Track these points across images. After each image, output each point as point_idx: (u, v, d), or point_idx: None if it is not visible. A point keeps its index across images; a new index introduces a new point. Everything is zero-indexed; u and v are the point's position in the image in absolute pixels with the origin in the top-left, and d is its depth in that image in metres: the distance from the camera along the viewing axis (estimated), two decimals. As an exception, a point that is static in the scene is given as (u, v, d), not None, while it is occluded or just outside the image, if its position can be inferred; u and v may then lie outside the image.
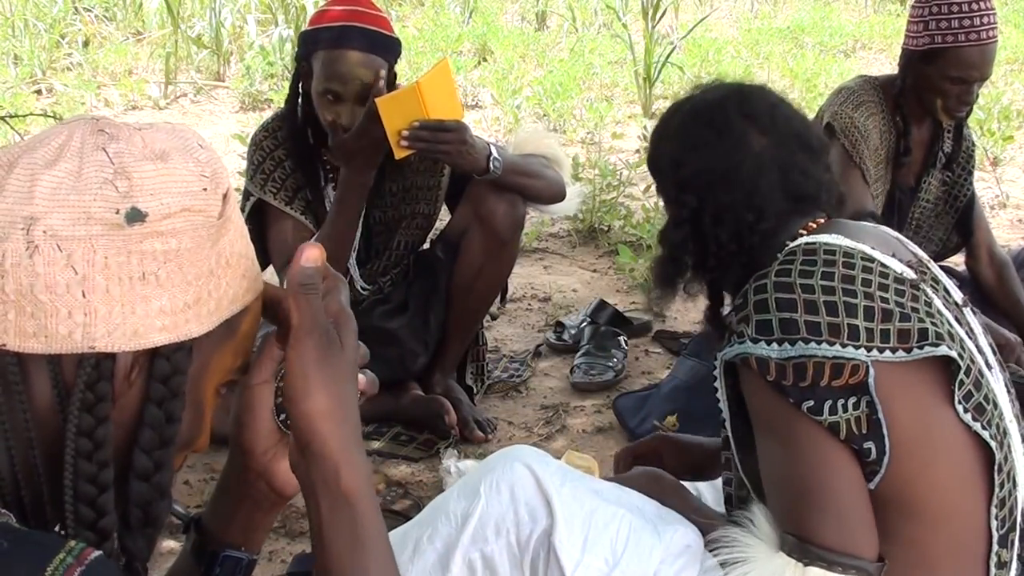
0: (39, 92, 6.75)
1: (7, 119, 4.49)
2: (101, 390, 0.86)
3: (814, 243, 1.39)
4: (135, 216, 0.84)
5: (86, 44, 7.81)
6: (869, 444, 1.31)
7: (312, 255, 0.92)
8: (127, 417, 0.89)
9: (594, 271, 4.03)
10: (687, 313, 3.60)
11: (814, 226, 1.48)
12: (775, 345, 1.31)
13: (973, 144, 2.94)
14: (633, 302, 3.68)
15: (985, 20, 2.57)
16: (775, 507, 1.37)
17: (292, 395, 0.90)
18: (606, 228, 4.36)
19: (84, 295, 0.83)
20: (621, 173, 4.58)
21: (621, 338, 3.22)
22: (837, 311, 1.31)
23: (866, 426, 1.30)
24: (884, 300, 1.32)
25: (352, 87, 2.45)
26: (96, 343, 0.84)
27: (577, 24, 9.34)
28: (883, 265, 1.37)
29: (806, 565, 1.31)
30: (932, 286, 1.44)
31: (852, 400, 1.30)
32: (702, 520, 1.54)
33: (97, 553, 0.80)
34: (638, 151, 5.64)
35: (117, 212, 0.83)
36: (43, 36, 7.44)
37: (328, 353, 0.90)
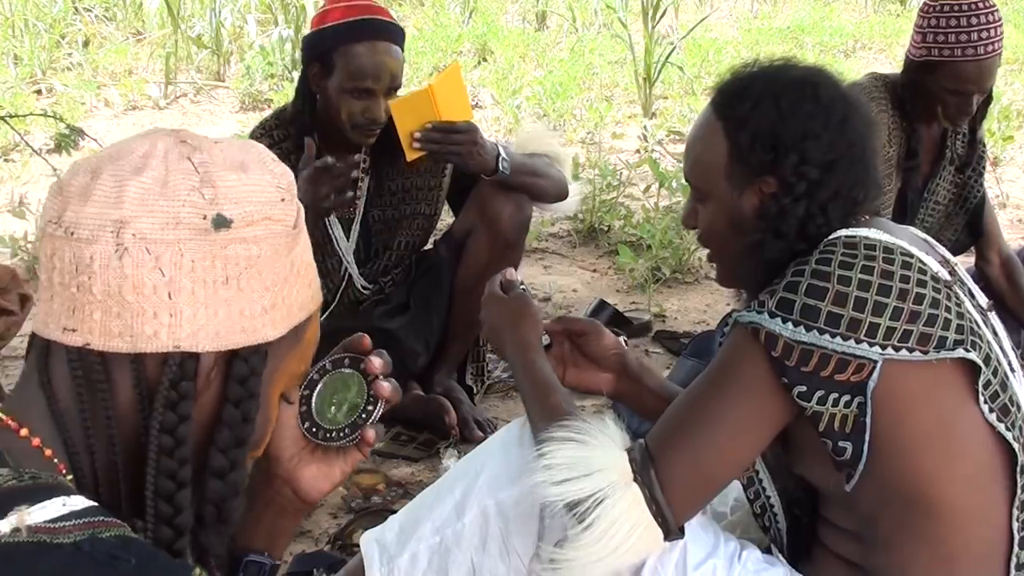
0: (39, 92, 6.75)
1: (7, 119, 4.50)
2: (184, 388, 0.88)
3: (854, 236, 1.39)
4: (222, 222, 0.87)
5: (86, 44, 7.81)
6: (846, 444, 1.32)
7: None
8: (203, 417, 0.91)
9: (594, 271, 4.03)
10: (687, 313, 3.60)
11: (864, 219, 1.47)
12: (790, 325, 1.31)
13: (985, 146, 2.94)
14: (633, 302, 3.68)
15: (984, 35, 2.56)
16: (664, 419, 1.40)
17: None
18: (606, 228, 4.36)
19: (170, 296, 0.86)
20: (621, 173, 4.58)
21: (621, 338, 3.21)
22: (864, 308, 1.31)
23: (851, 426, 1.31)
24: (917, 300, 1.32)
25: (384, 80, 2.48)
26: (181, 343, 0.87)
27: (577, 24, 9.34)
28: (921, 262, 1.38)
29: (634, 480, 1.34)
30: (959, 287, 1.44)
31: (846, 397, 1.31)
32: (538, 385, 1.55)
33: None
34: (638, 151, 5.64)
35: (204, 218, 0.87)
36: (43, 36, 7.44)
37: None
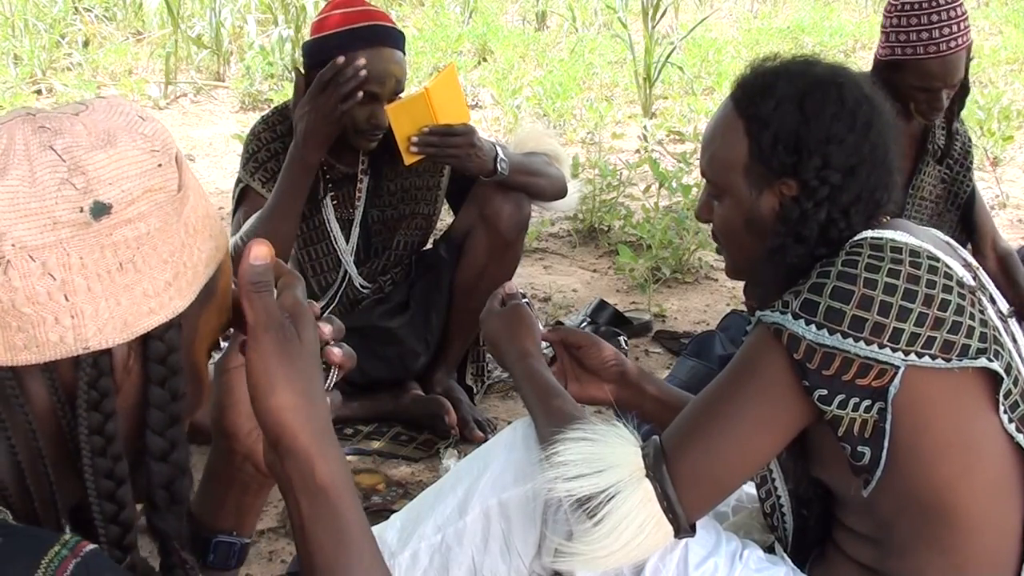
0: (39, 92, 6.75)
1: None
2: (103, 386, 0.85)
3: (880, 239, 1.37)
4: (100, 210, 0.83)
5: (86, 44, 7.82)
6: (865, 449, 1.31)
7: (260, 252, 0.91)
8: (131, 404, 0.89)
9: (594, 271, 4.03)
10: (687, 313, 3.60)
11: (886, 220, 1.45)
12: (813, 327, 1.30)
13: (969, 140, 2.94)
14: (633, 302, 3.68)
15: (946, 31, 2.57)
16: (681, 416, 1.40)
17: (256, 393, 0.89)
18: (606, 228, 4.36)
19: (67, 299, 0.82)
20: (621, 173, 4.58)
21: (621, 338, 3.22)
22: (889, 312, 1.29)
23: (870, 431, 1.30)
24: (943, 306, 1.31)
25: (389, 85, 2.48)
26: (89, 342, 0.84)
27: (577, 24, 9.35)
28: (947, 267, 1.36)
29: (646, 475, 1.34)
30: (982, 293, 1.43)
31: (867, 402, 1.30)
32: (539, 387, 1.56)
33: (92, 546, 0.80)
34: (638, 151, 5.64)
35: (81, 210, 0.82)
36: (43, 36, 7.44)
37: (287, 348, 0.89)
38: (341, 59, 2.39)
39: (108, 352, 0.85)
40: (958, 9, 2.58)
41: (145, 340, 0.87)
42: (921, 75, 2.60)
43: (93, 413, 0.85)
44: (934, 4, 2.56)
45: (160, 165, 0.87)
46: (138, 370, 0.88)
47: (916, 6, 2.58)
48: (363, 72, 2.39)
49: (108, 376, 0.86)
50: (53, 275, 0.82)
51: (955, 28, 2.57)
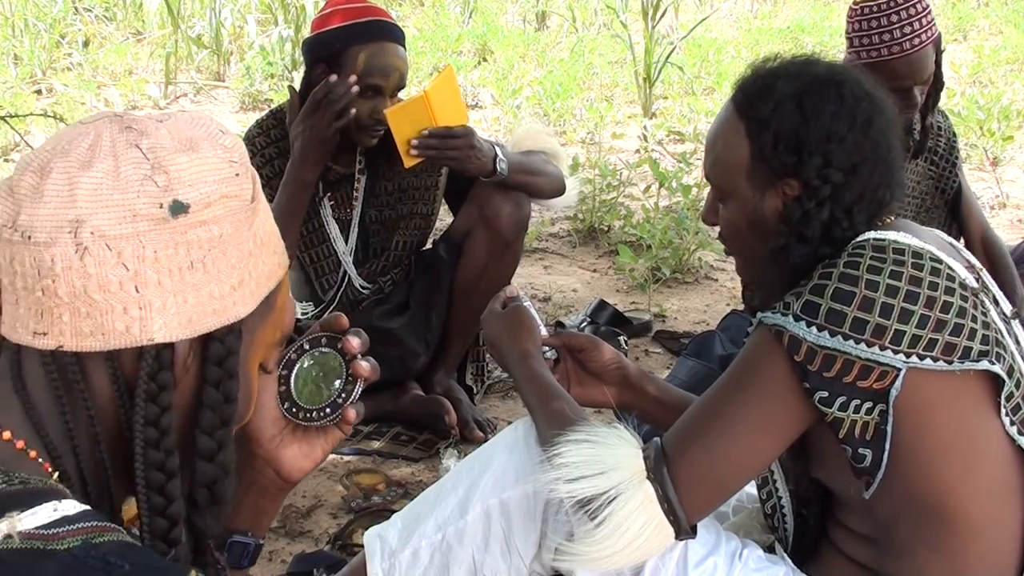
0: (39, 92, 6.76)
1: (7, 119, 4.50)
2: (163, 379, 0.88)
3: (883, 240, 1.37)
4: (178, 208, 0.86)
5: (86, 44, 7.82)
6: (866, 451, 1.31)
7: None
8: (185, 402, 0.91)
9: (594, 271, 4.03)
10: (687, 313, 3.60)
11: (889, 220, 1.44)
12: (814, 329, 1.30)
13: (954, 135, 2.95)
14: (633, 302, 3.68)
15: (907, 30, 2.57)
16: (682, 418, 1.40)
17: None
18: (606, 228, 4.36)
19: (137, 290, 0.85)
20: (621, 173, 4.58)
21: (621, 338, 3.22)
22: (890, 314, 1.29)
23: (871, 433, 1.30)
24: (944, 308, 1.30)
25: (393, 79, 2.51)
26: (154, 335, 0.86)
27: (577, 24, 9.35)
28: (950, 269, 1.36)
29: (647, 477, 1.34)
30: (985, 294, 1.42)
31: (867, 405, 1.29)
32: (538, 389, 1.56)
33: None
34: (638, 151, 5.64)
35: (161, 206, 0.85)
36: (43, 36, 7.44)
37: None
38: (333, 77, 2.41)
39: (171, 347, 0.88)
40: (918, 6, 2.58)
41: (206, 341, 0.90)
42: (889, 75, 2.59)
43: (151, 405, 0.88)
44: (892, 5, 2.58)
45: (237, 175, 0.91)
46: (195, 370, 0.91)
47: (875, 8, 2.60)
48: (355, 89, 2.41)
49: (168, 370, 0.88)
50: (127, 265, 0.85)
51: (916, 26, 2.58)
